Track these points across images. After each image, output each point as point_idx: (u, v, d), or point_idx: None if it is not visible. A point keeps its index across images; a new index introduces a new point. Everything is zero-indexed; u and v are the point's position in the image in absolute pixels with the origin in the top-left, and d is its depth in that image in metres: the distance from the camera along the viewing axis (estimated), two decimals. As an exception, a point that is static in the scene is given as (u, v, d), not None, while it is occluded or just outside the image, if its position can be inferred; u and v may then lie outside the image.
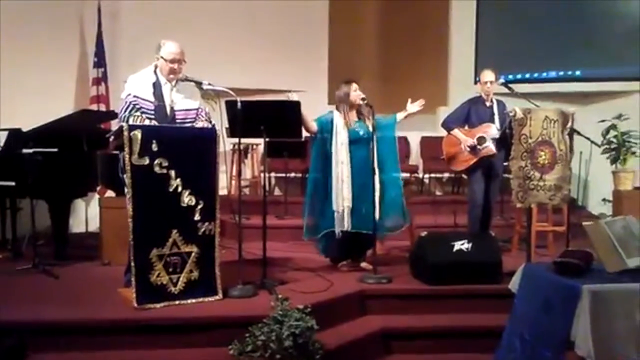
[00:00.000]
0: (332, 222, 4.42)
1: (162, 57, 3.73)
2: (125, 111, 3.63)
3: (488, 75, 5.11)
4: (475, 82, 7.45)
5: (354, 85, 4.49)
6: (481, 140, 4.99)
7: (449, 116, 5.26)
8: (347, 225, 4.38)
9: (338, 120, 4.48)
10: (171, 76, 3.75)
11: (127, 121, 3.58)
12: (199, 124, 3.79)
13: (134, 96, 3.65)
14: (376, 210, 4.29)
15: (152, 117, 3.65)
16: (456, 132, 5.10)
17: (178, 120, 3.75)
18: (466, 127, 5.12)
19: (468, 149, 5.01)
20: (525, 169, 3.93)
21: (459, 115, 5.17)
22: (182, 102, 3.80)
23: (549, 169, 3.97)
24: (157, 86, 3.73)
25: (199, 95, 3.95)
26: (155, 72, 3.77)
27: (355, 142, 4.44)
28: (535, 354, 2.91)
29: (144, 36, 6.31)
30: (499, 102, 5.12)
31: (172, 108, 3.75)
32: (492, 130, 5.00)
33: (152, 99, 3.69)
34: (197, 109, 3.86)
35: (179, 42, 3.77)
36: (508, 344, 3.16)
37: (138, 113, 3.61)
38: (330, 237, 4.49)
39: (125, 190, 3.54)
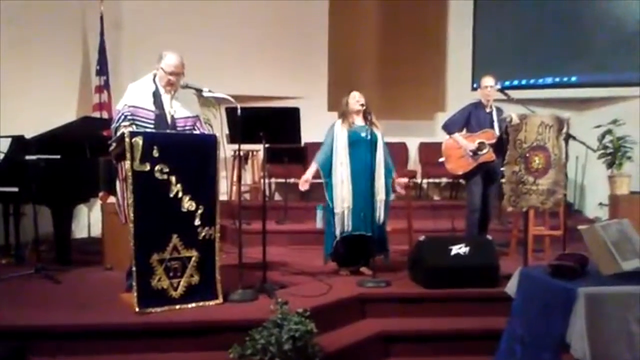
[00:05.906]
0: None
1: (161, 68, 3.78)
2: (116, 122, 3.67)
3: (488, 80, 5.18)
4: (474, 89, 7.50)
5: (353, 94, 4.56)
6: (481, 145, 5.05)
7: (449, 119, 5.31)
8: (347, 226, 4.42)
9: (339, 126, 4.55)
10: (168, 87, 3.80)
11: (115, 133, 3.61)
12: (201, 131, 3.87)
13: (131, 106, 3.68)
14: (377, 213, 4.35)
15: (152, 126, 3.69)
16: (457, 136, 5.16)
17: (179, 128, 3.81)
18: (464, 131, 5.18)
19: (469, 154, 5.07)
20: (519, 174, 3.98)
21: (460, 119, 5.22)
22: (181, 110, 3.85)
23: (543, 173, 4.01)
24: (157, 95, 3.78)
25: (197, 102, 4.00)
26: (154, 81, 3.82)
27: (356, 143, 4.48)
28: (534, 356, 2.94)
29: (146, 44, 6.39)
30: (498, 109, 5.18)
31: (172, 116, 3.80)
32: (492, 136, 5.06)
33: (152, 107, 3.74)
34: (196, 116, 3.93)
35: (179, 52, 3.81)
36: (507, 348, 3.17)
37: (127, 123, 3.60)
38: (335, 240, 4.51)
39: (118, 195, 3.59)
